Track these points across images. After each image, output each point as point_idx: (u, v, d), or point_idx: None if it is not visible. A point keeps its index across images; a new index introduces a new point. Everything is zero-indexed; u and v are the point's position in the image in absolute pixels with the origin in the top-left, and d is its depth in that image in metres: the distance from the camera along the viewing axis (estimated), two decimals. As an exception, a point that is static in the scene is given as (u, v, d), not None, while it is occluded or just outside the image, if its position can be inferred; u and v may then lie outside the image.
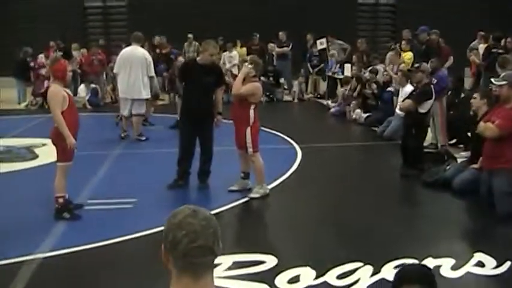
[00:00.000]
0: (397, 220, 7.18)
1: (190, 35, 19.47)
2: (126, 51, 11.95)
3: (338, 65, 17.74)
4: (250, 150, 7.86)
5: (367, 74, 14.39)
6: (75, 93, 16.87)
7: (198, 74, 8.09)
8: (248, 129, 7.84)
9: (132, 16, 22.76)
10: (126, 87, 11.63)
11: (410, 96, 9.56)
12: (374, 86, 13.71)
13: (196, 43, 18.75)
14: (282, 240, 6.58)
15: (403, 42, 14.60)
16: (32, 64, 18.08)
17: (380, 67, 14.79)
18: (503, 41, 14.43)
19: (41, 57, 18.07)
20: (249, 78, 7.95)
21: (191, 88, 8.26)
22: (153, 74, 12.00)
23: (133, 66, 11.56)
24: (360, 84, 14.19)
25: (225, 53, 18.69)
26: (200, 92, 8.14)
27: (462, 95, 10.86)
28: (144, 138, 11.81)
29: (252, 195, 7.88)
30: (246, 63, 8.16)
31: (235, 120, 8.06)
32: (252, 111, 7.89)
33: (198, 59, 8.61)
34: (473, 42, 16.63)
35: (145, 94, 11.81)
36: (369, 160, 10.83)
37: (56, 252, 5.99)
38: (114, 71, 12.16)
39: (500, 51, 13.37)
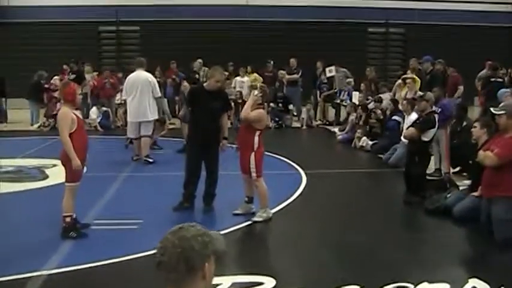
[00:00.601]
0: (397, 245, 7.26)
1: (200, 60, 19.77)
2: (131, 76, 12.37)
3: (346, 93, 17.93)
4: (253, 175, 8.06)
5: (371, 104, 14.54)
6: (87, 115, 17.24)
7: (205, 99, 8.30)
8: (252, 155, 8.02)
9: (144, 41, 23.18)
10: (133, 111, 12.02)
11: (414, 124, 9.70)
12: (379, 111, 13.86)
13: (206, 68, 19.11)
14: (282, 262, 6.71)
15: (408, 71, 14.74)
16: (46, 86, 18.45)
17: (387, 95, 14.95)
18: (503, 71, 14.70)
19: (55, 80, 18.41)
20: (256, 105, 8.17)
21: (199, 113, 8.46)
22: (159, 94, 12.48)
23: (139, 90, 11.98)
24: (366, 112, 14.36)
25: (237, 78, 19.05)
26: (208, 117, 8.35)
27: (465, 123, 10.96)
28: (151, 160, 12.03)
29: (255, 218, 8.04)
30: (256, 92, 8.35)
31: (240, 145, 8.28)
32: (256, 137, 8.07)
33: (205, 84, 8.81)
34: (482, 72, 16.76)
35: (152, 116, 12.17)
36: (373, 187, 10.94)
37: (62, 269, 6.13)
38: (123, 97, 12.51)
39: (499, 80, 13.55)
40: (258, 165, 8.07)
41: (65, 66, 19.04)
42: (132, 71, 14.43)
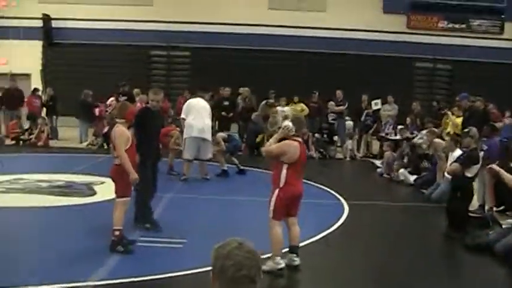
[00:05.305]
0: (436, 280, 7.27)
1: (242, 89, 19.75)
2: (193, 100, 13.48)
3: (391, 127, 17.98)
4: (270, 215, 7.02)
5: (416, 138, 14.55)
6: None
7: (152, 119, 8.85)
8: (276, 192, 7.00)
9: (194, 66, 23.70)
10: (198, 126, 12.85)
11: (457, 160, 9.73)
12: (424, 146, 13.84)
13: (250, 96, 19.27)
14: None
15: (455, 108, 14.76)
16: (99, 107, 18.93)
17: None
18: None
19: (112, 101, 18.65)
20: (289, 136, 7.12)
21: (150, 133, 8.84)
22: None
23: (200, 112, 13.01)
24: (409, 146, 14.37)
25: (278, 108, 19.12)
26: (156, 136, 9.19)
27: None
28: (208, 177, 13.16)
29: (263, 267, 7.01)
30: (286, 122, 7.25)
31: (271, 180, 7.22)
32: (284, 172, 6.98)
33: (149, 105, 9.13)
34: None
35: (209, 137, 13.17)
36: (414, 221, 10.87)
37: (106, 281, 6.36)
38: (182, 115, 13.21)
39: None
40: (278, 206, 6.96)
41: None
42: (181, 95, 15.12)
